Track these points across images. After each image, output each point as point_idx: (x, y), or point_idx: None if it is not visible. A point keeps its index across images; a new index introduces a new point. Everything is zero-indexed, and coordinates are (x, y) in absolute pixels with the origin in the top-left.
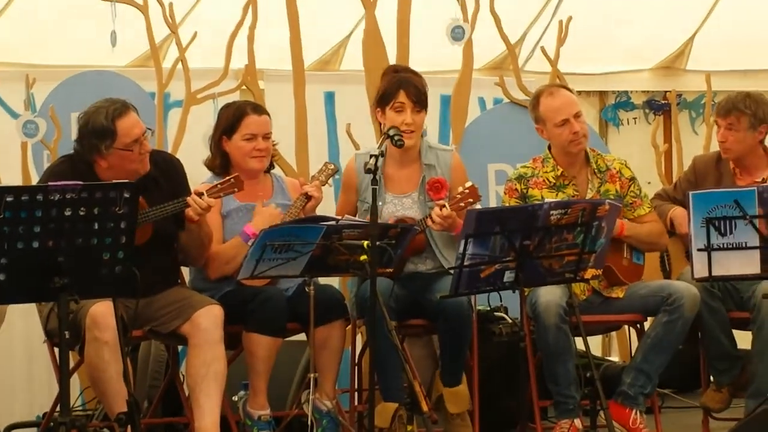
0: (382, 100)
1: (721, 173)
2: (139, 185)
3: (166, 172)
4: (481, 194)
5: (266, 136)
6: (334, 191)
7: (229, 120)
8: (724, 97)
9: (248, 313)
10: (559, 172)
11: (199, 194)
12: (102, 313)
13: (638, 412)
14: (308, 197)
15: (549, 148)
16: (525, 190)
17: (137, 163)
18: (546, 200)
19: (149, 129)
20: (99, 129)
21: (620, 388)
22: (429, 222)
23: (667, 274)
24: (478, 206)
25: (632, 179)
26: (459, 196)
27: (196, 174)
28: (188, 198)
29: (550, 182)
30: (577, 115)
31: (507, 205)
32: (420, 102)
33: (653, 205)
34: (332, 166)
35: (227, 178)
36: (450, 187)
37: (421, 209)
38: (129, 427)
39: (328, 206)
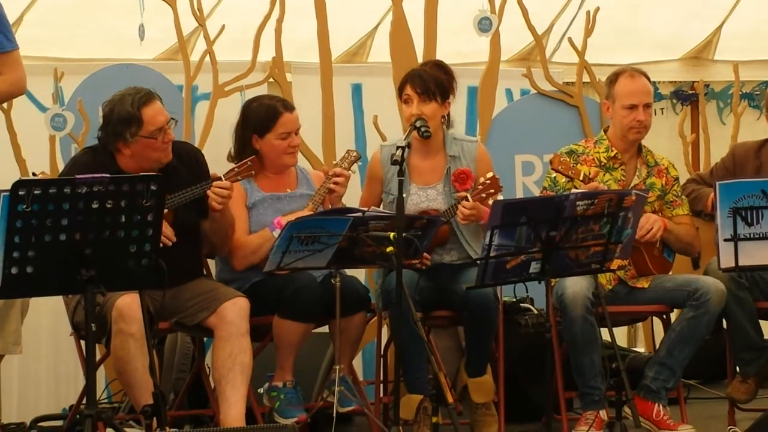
0: (399, 95)
1: (761, 162)
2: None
3: (187, 163)
4: (503, 185)
5: (297, 132)
6: (360, 179)
7: (262, 119)
8: None
9: (283, 301)
10: (612, 154)
11: (217, 178)
12: (128, 305)
13: (661, 405)
14: (331, 190)
15: (605, 130)
16: (573, 165)
17: (160, 152)
18: (573, 191)
19: (173, 119)
20: (125, 116)
21: (643, 382)
22: (459, 218)
23: (696, 262)
24: (500, 197)
25: (676, 179)
26: (480, 187)
27: (223, 167)
28: (209, 192)
29: (600, 162)
30: (647, 106)
31: (552, 159)
32: (426, 92)
33: (690, 189)
34: (355, 153)
35: (243, 161)
36: (475, 178)
37: (446, 200)
38: (155, 419)
39: (353, 193)
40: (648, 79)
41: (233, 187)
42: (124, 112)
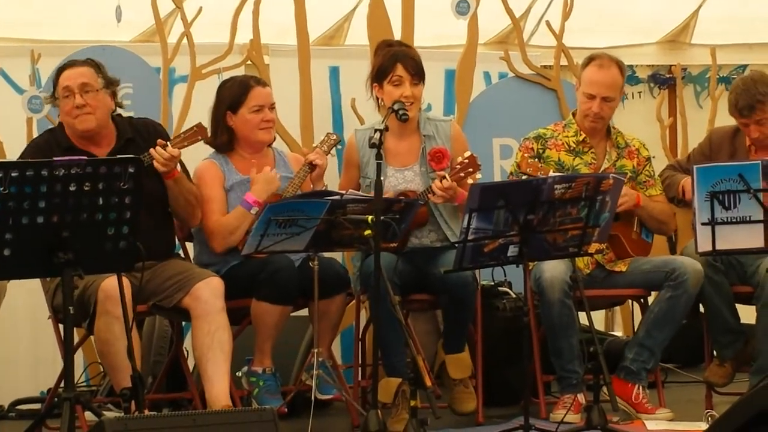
0: (379, 76)
1: (736, 148)
2: (119, 150)
3: (146, 136)
4: (481, 163)
5: (272, 107)
6: (338, 163)
7: (234, 95)
8: (730, 93)
9: (259, 283)
10: (581, 138)
11: (163, 146)
12: (115, 287)
13: (641, 387)
14: (312, 166)
15: (573, 114)
16: (542, 151)
17: (71, 117)
18: (550, 174)
19: (95, 89)
20: (53, 83)
21: (623, 364)
22: (431, 195)
23: (673, 246)
24: (479, 176)
25: (648, 159)
26: (459, 166)
27: (201, 149)
28: (150, 150)
29: (569, 146)
30: (606, 99)
31: (519, 162)
32: (418, 74)
33: (665, 176)
34: (335, 136)
35: (190, 127)
36: (451, 157)
37: (423, 181)
38: (133, 402)
39: (331, 177)
40: (622, 70)
41: (179, 153)
42: (53, 80)
